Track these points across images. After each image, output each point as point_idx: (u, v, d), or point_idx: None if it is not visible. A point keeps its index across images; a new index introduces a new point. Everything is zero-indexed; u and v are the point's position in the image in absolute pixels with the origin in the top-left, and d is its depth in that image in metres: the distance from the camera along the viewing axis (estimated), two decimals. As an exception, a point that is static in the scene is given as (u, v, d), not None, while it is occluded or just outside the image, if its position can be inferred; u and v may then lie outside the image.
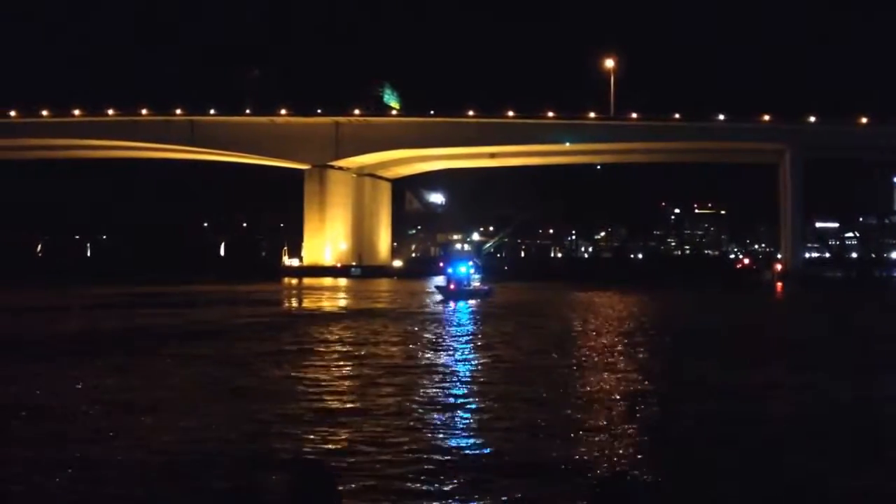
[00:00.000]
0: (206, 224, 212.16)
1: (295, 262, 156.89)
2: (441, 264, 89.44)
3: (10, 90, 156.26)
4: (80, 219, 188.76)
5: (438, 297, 77.85)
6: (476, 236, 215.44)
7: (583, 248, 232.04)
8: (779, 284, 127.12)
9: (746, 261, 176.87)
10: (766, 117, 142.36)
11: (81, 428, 21.21)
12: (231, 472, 16.78)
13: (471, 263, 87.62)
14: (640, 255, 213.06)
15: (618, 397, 26.48)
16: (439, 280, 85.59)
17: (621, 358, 36.65)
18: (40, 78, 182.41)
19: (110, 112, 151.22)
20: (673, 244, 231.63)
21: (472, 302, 73.84)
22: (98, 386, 27.85)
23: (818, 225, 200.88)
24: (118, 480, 16.61)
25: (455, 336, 46.50)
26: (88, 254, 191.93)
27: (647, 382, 29.31)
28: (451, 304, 72.22)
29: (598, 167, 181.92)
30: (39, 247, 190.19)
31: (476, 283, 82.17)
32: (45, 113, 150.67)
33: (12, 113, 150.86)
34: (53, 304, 69.19)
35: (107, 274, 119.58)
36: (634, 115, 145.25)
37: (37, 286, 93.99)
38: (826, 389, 28.24)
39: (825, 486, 16.81)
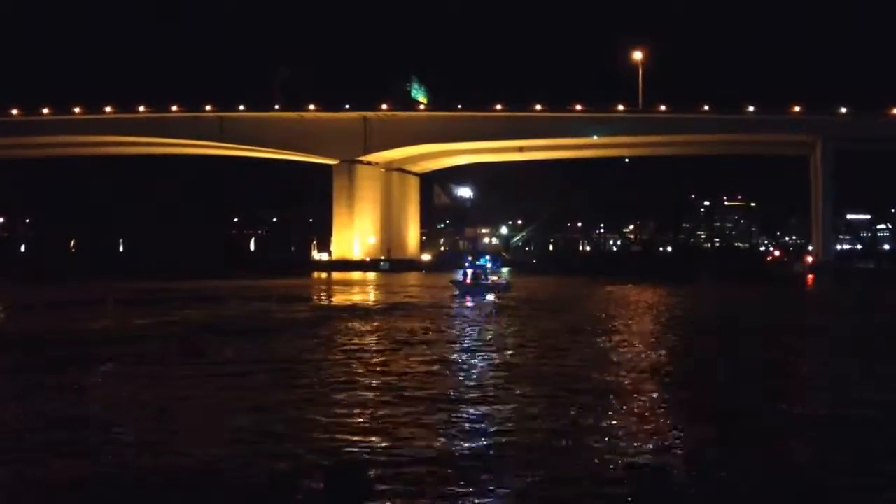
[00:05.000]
0: (235, 219, 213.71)
1: (324, 257, 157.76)
2: (468, 258, 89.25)
3: (41, 87, 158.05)
4: (112, 215, 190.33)
5: (455, 292, 77.78)
6: (504, 230, 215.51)
7: (611, 242, 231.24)
8: (810, 277, 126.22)
9: (777, 253, 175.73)
10: (797, 109, 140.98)
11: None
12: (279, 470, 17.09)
13: (488, 258, 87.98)
14: (669, 248, 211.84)
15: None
16: (457, 274, 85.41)
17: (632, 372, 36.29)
18: (71, 75, 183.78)
19: (141, 109, 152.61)
20: (703, 237, 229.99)
21: (489, 296, 73.69)
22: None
23: (850, 217, 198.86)
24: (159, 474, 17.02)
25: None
26: (121, 249, 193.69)
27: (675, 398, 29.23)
28: (467, 298, 71.94)
29: (627, 160, 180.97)
30: (73, 243, 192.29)
31: (494, 277, 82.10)
32: (76, 110, 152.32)
33: (44, 110, 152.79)
34: (91, 300, 69.91)
35: (139, 269, 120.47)
36: (663, 108, 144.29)
37: (72, 282, 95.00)
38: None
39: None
